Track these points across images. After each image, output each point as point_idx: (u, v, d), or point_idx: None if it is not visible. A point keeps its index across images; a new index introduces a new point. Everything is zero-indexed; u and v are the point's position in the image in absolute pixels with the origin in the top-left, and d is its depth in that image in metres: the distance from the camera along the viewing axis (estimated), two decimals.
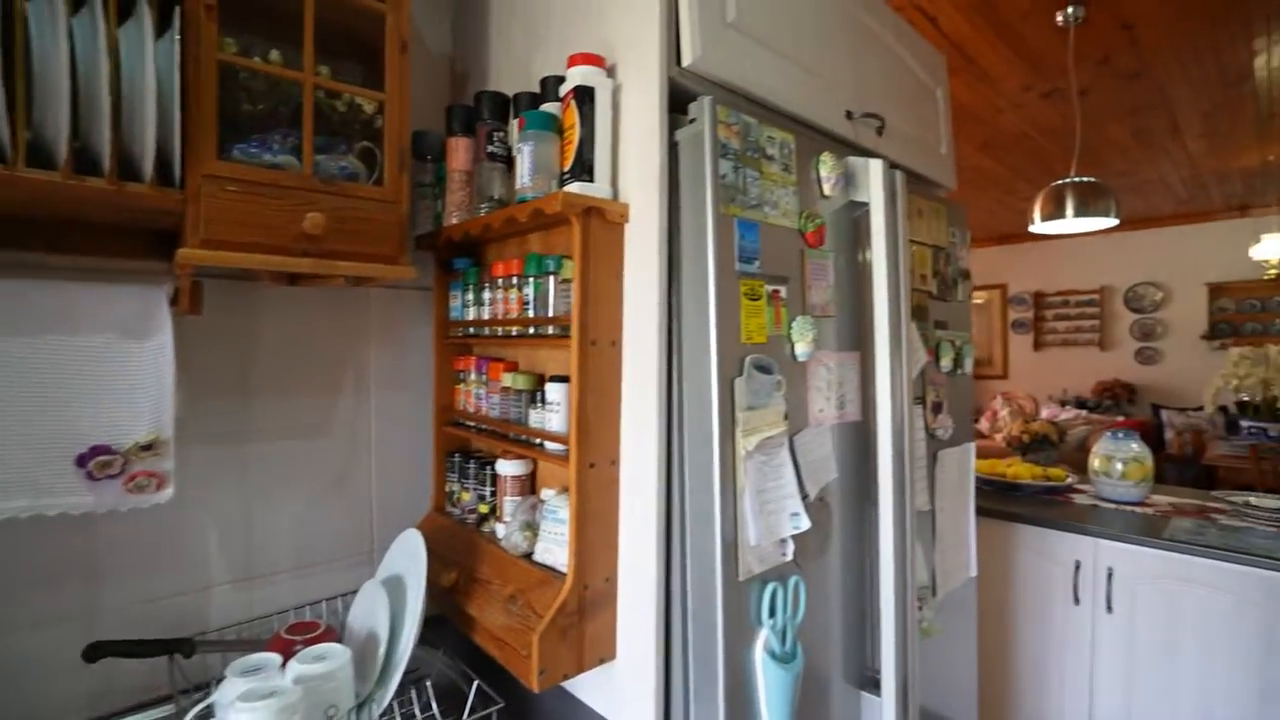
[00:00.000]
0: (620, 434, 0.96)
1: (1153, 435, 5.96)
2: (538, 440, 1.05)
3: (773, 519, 0.90)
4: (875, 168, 1.11)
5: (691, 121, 0.90)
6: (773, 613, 0.93)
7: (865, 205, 1.13)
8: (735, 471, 0.88)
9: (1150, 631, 1.88)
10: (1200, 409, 5.00)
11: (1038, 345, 7.16)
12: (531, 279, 1.06)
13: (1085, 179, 2.41)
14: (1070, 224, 2.39)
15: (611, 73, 0.98)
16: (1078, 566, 2.01)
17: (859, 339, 1.15)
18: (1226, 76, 3.01)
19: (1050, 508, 2.17)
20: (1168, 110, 3.44)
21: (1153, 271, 6.36)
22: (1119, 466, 2.20)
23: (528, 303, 1.07)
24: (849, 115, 1.22)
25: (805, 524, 0.93)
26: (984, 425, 6.75)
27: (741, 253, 0.90)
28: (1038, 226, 2.47)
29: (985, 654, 2.21)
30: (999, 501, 2.25)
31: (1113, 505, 2.19)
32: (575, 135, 0.92)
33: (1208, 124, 3.66)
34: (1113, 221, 2.34)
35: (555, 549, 0.98)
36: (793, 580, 0.96)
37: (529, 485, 1.14)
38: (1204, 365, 5.90)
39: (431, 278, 1.35)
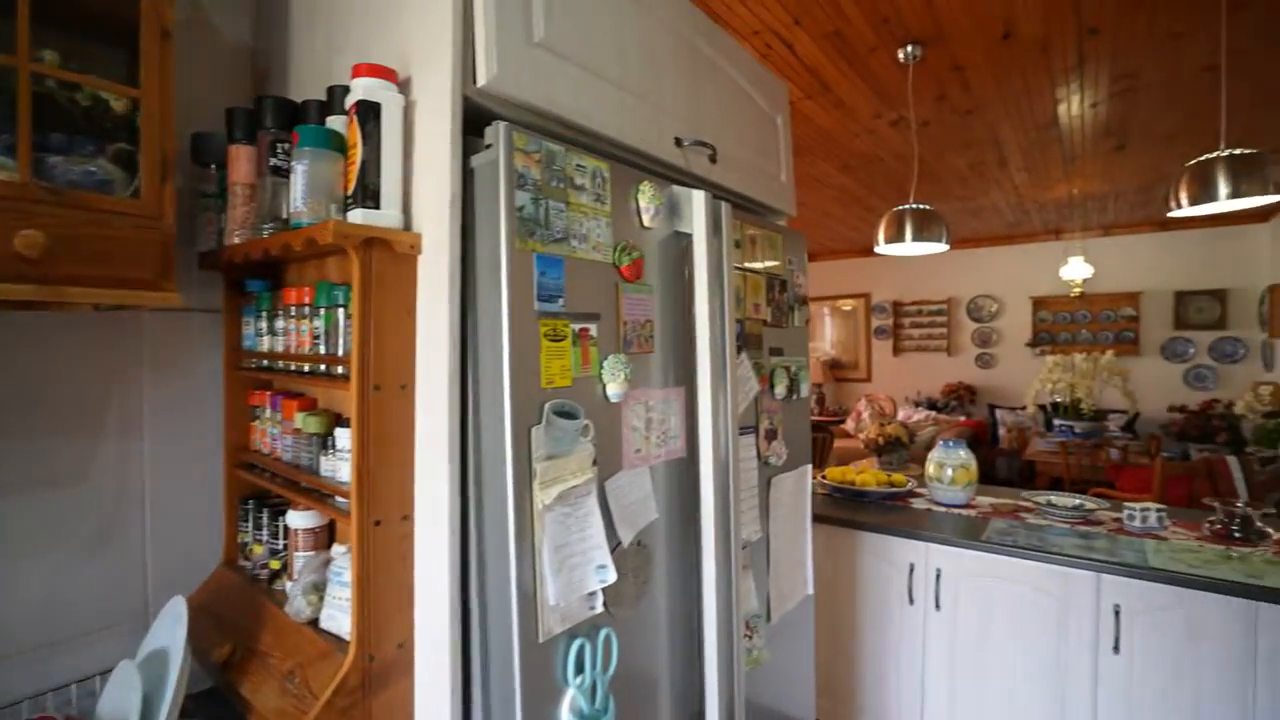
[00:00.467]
0: (414, 487, 0.87)
1: (988, 432, 6.64)
2: (327, 492, 0.93)
3: (576, 574, 0.85)
4: (698, 198, 1.09)
5: (488, 147, 0.83)
6: (580, 670, 0.88)
7: (689, 236, 1.11)
8: (534, 526, 0.82)
9: (968, 624, 2.04)
10: (1024, 408, 5.61)
11: (897, 350, 7.75)
12: (322, 310, 0.95)
13: (921, 206, 2.59)
14: (908, 247, 2.56)
15: (405, 88, 0.89)
16: (912, 569, 2.15)
17: (685, 373, 1.13)
18: (1039, 120, 3.38)
19: (892, 513, 2.31)
20: (996, 145, 3.81)
21: (989, 285, 7.08)
22: (949, 472, 2.38)
23: (319, 336, 0.96)
24: (679, 142, 1.20)
25: (612, 576, 0.89)
26: (850, 425, 7.23)
27: (542, 290, 0.84)
28: (881, 248, 2.64)
29: (833, 656, 2.32)
30: (848, 509, 2.37)
31: (943, 509, 2.37)
32: (358, 155, 0.82)
33: (1027, 159, 4.10)
34: (943, 247, 2.54)
35: (339, 615, 0.88)
36: (603, 633, 0.91)
37: (325, 539, 1.02)
38: (1029, 369, 6.64)
39: (220, 299, 1.18)
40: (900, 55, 2.61)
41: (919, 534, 2.12)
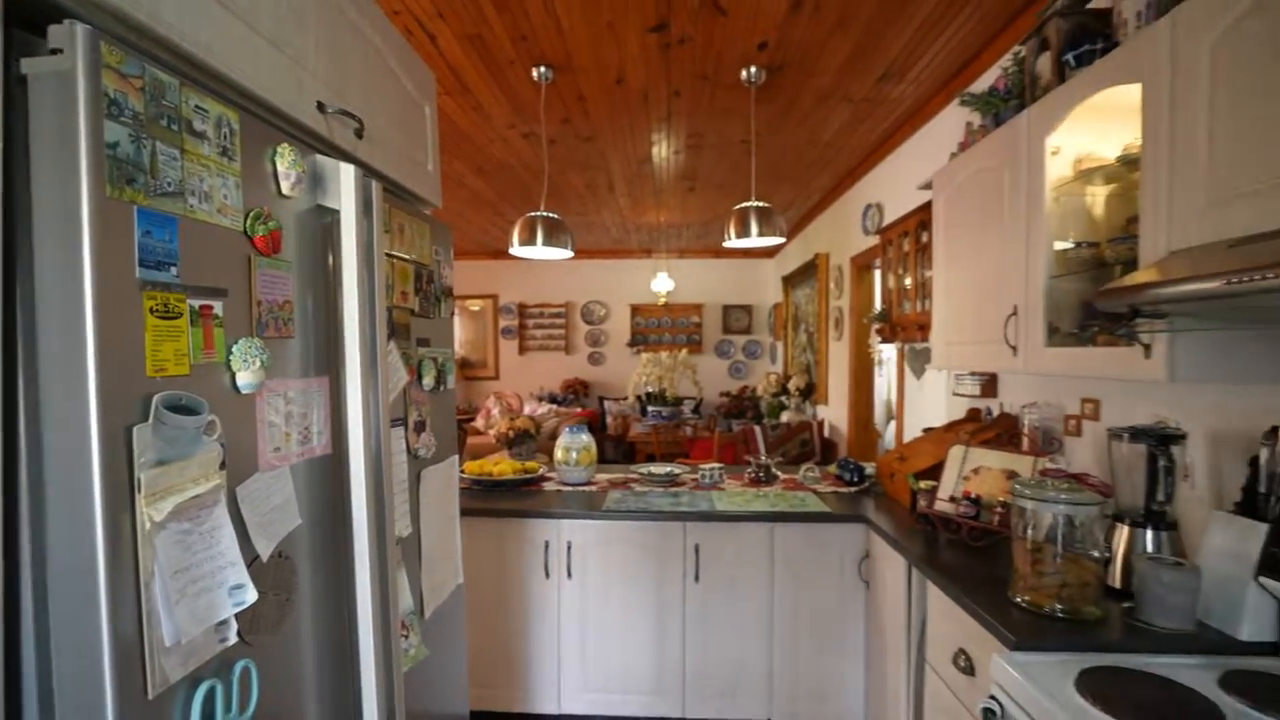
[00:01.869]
0: None
1: (599, 421, 7.65)
2: None
3: (203, 602, 0.70)
4: (347, 172, 1.01)
5: (54, 52, 0.62)
6: (212, 717, 0.73)
7: (336, 212, 1.02)
8: (139, 552, 0.65)
9: (596, 586, 2.35)
10: (626, 398, 6.65)
11: (522, 349, 8.28)
12: None
13: (551, 215, 2.85)
14: (539, 251, 2.80)
15: None
16: (547, 545, 2.35)
17: (329, 361, 1.03)
18: (638, 156, 4.06)
19: (528, 498, 2.49)
20: (606, 171, 4.43)
21: (599, 292, 8.15)
22: (574, 455, 2.68)
23: None
24: (322, 108, 1.08)
25: (251, 596, 0.76)
26: (480, 422, 7.43)
27: (147, 255, 0.67)
28: (515, 249, 2.81)
29: (483, 644, 2.38)
30: (488, 499, 2.45)
31: (571, 488, 2.66)
32: None
33: (629, 187, 4.88)
34: (568, 253, 2.85)
35: None
36: (239, 667, 0.77)
37: None
38: (629, 366, 7.88)
39: None
40: (534, 74, 2.82)
41: (552, 512, 2.34)
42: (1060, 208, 1.67)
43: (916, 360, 3.02)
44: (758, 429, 4.44)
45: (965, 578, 1.60)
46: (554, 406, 7.13)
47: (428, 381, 1.37)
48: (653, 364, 5.77)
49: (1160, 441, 1.41)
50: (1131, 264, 1.40)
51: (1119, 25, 1.49)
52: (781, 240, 2.72)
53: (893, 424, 3.79)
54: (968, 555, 1.77)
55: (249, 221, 0.84)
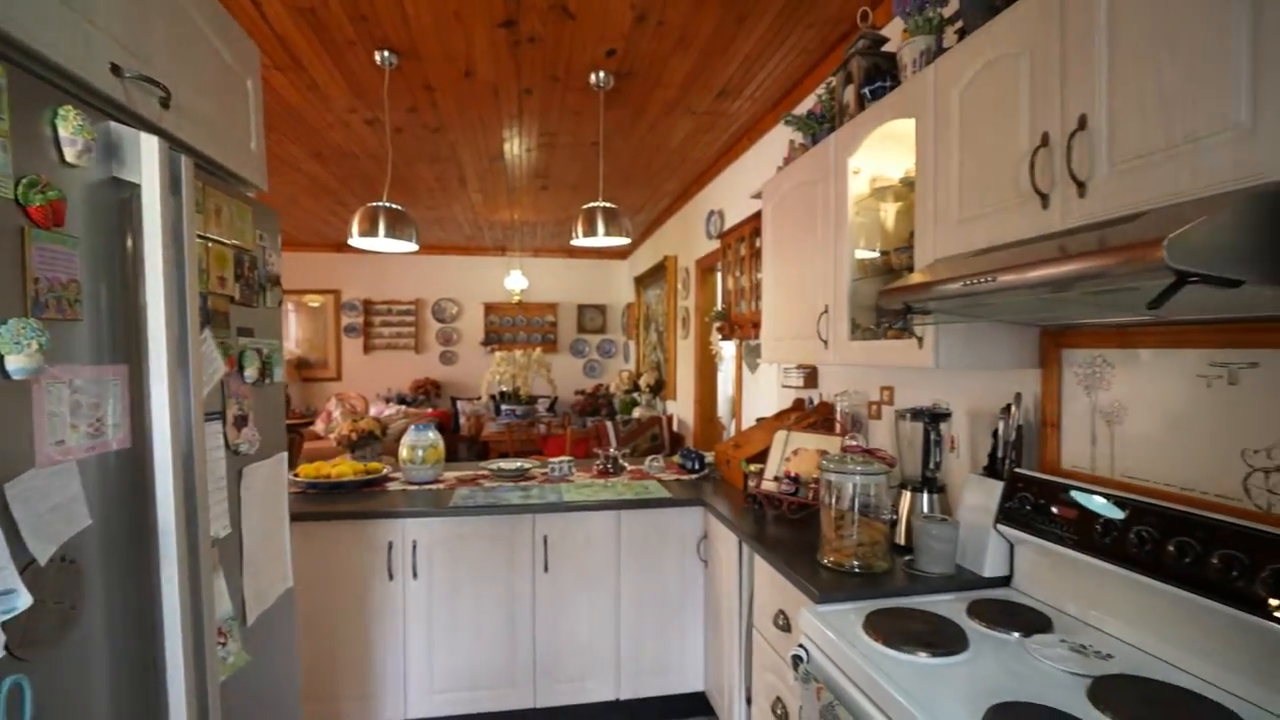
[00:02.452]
0: None
1: (451, 421, 7.40)
2: None
3: None
4: (149, 144, 0.93)
5: None
6: None
7: (137, 187, 0.93)
8: None
9: (442, 584, 2.30)
10: (479, 398, 6.50)
11: (368, 348, 7.78)
12: None
13: (394, 206, 2.74)
14: (381, 243, 2.67)
15: None
16: (391, 546, 2.27)
17: (128, 348, 0.94)
18: (490, 151, 4.01)
19: (370, 499, 2.37)
20: (458, 165, 4.32)
21: (451, 290, 7.88)
22: (420, 453, 2.60)
23: None
24: (118, 71, 0.98)
25: (21, 603, 0.69)
26: (320, 426, 6.87)
27: None
28: (355, 240, 2.66)
29: (320, 656, 2.23)
30: (326, 502, 2.31)
31: (417, 487, 2.57)
32: None
33: (482, 183, 4.79)
34: (412, 246, 2.76)
35: None
36: (9, 684, 0.69)
37: None
38: (482, 365, 7.72)
39: None
40: (378, 58, 2.70)
41: (396, 511, 2.26)
42: (860, 220, 1.94)
43: (751, 356, 3.30)
44: (609, 425, 4.57)
45: (785, 548, 1.79)
46: (403, 408, 6.79)
47: (250, 373, 1.28)
48: (506, 363, 5.71)
49: (931, 419, 1.69)
50: (911, 269, 1.66)
51: (902, 68, 1.76)
52: (627, 241, 2.84)
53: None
54: (789, 528, 1.98)
55: (21, 189, 0.75)
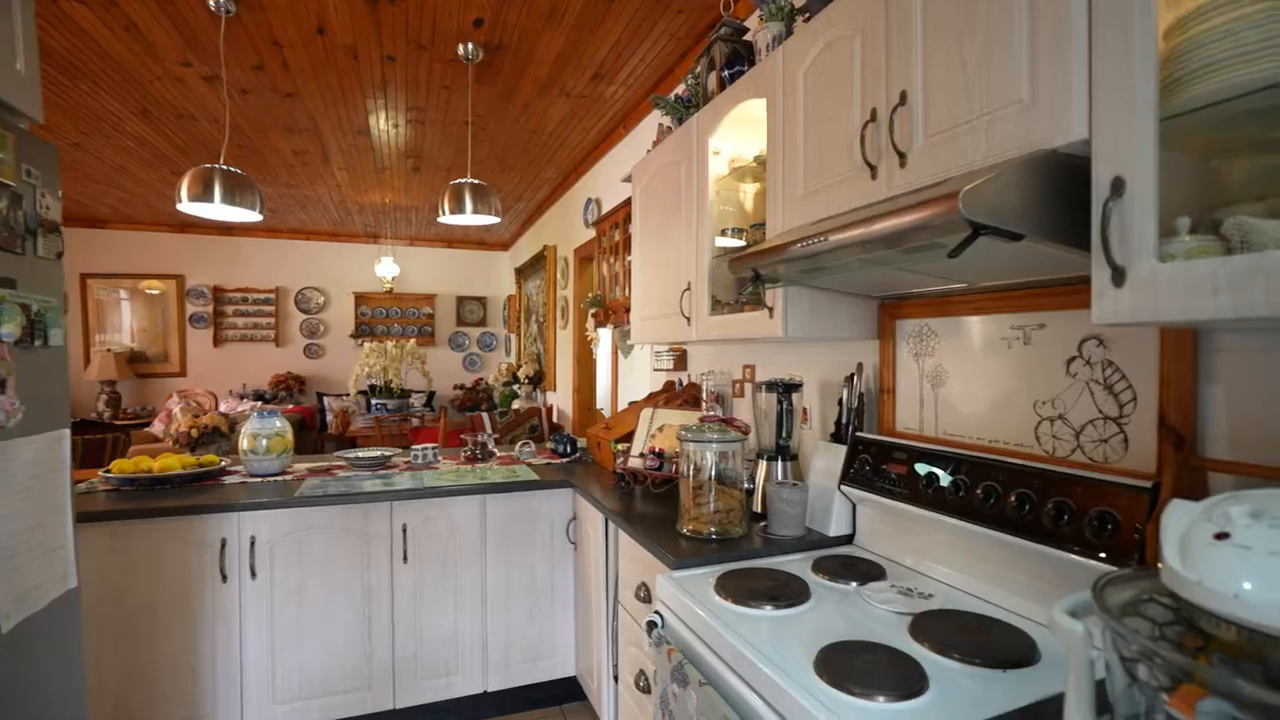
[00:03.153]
0: None
1: (317, 419, 6.87)
2: None
3: None
4: None
5: None
6: None
7: None
8: None
9: (286, 582, 2.10)
10: (348, 394, 6.08)
11: (218, 341, 7.03)
12: None
13: (234, 169, 2.47)
14: (217, 210, 2.40)
15: None
16: (224, 544, 2.03)
17: None
18: (354, 125, 3.74)
19: (202, 494, 2.12)
20: (318, 138, 3.99)
21: (316, 278, 7.31)
22: (264, 443, 2.37)
23: None
24: None
25: None
26: (158, 428, 6.11)
27: None
28: (184, 205, 2.37)
29: (143, 666, 1.94)
30: (146, 499, 2.03)
31: (260, 479, 2.34)
32: None
33: (347, 160, 4.47)
34: (255, 215, 2.50)
35: None
36: None
37: None
38: (353, 359, 7.24)
39: None
40: (211, 3, 2.42)
41: (231, 505, 2.03)
42: (721, 200, 1.99)
43: (625, 341, 3.32)
44: (485, 416, 4.43)
45: (648, 521, 1.80)
46: (259, 404, 6.19)
47: (9, 331, 1.08)
48: (376, 354, 5.37)
49: (784, 390, 1.76)
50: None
51: (758, 51, 1.82)
52: (497, 220, 2.75)
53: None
54: (654, 502, 2.00)
55: None
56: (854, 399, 1.68)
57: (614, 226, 3.25)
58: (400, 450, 2.75)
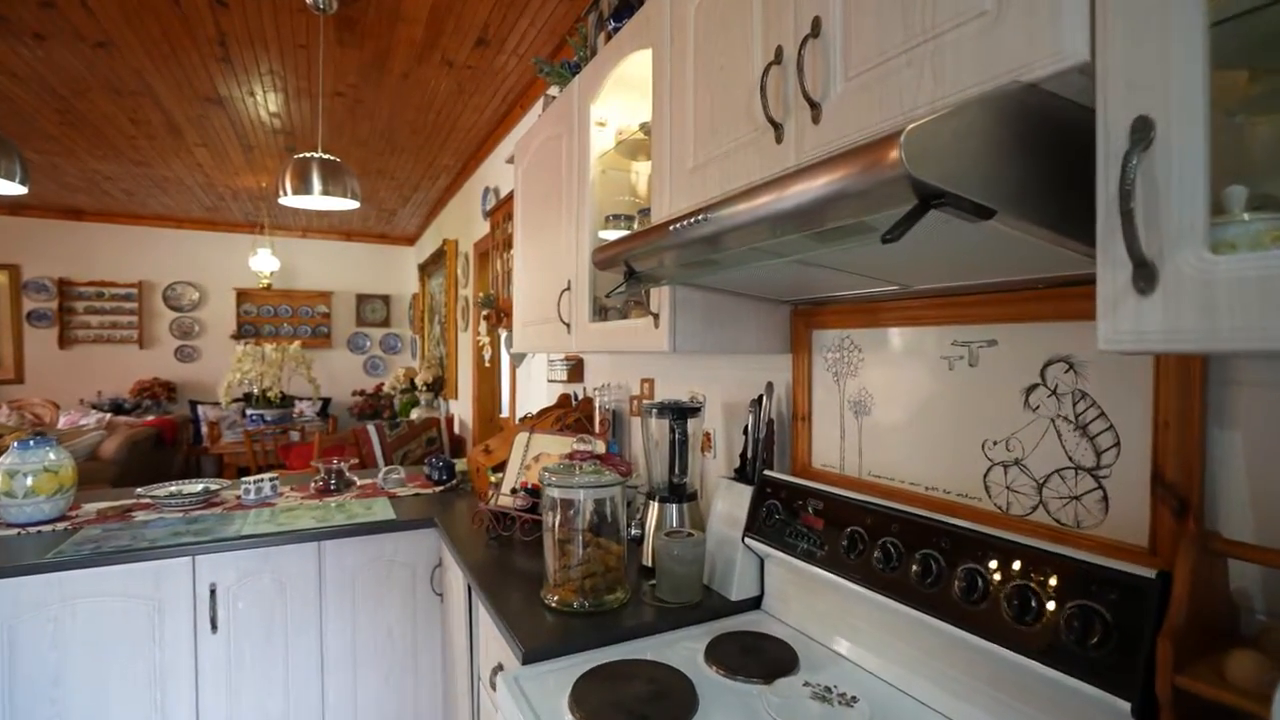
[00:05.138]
0: None
1: (186, 431, 6.07)
2: None
3: None
4: None
5: None
6: None
7: None
8: None
9: (31, 673, 1.58)
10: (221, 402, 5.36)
11: (65, 342, 6.10)
12: None
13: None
14: None
15: None
16: None
17: None
18: (200, 91, 3.16)
19: None
20: (158, 105, 3.36)
21: (190, 272, 6.48)
22: (27, 482, 1.82)
23: None
24: None
25: None
26: None
27: None
28: None
29: None
30: None
31: (18, 530, 1.80)
32: None
33: (203, 136, 3.84)
34: (19, 189, 1.94)
35: None
36: None
37: None
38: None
39: None
40: None
41: None
42: (606, 181, 1.63)
43: (509, 348, 2.92)
44: (371, 428, 3.91)
45: (509, 582, 1.43)
46: (109, 416, 5.37)
47: None
48: (252, 358, 4.72)
49: (677, 415, 1.43)
50: None
51: None
52: (354, 205, 2.30)
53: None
54: (523, 553, 1.62)
55: None
56: (761, 427, 1.36)
57: (507, 218, 2.85)
58: (229, 483, 2.23)
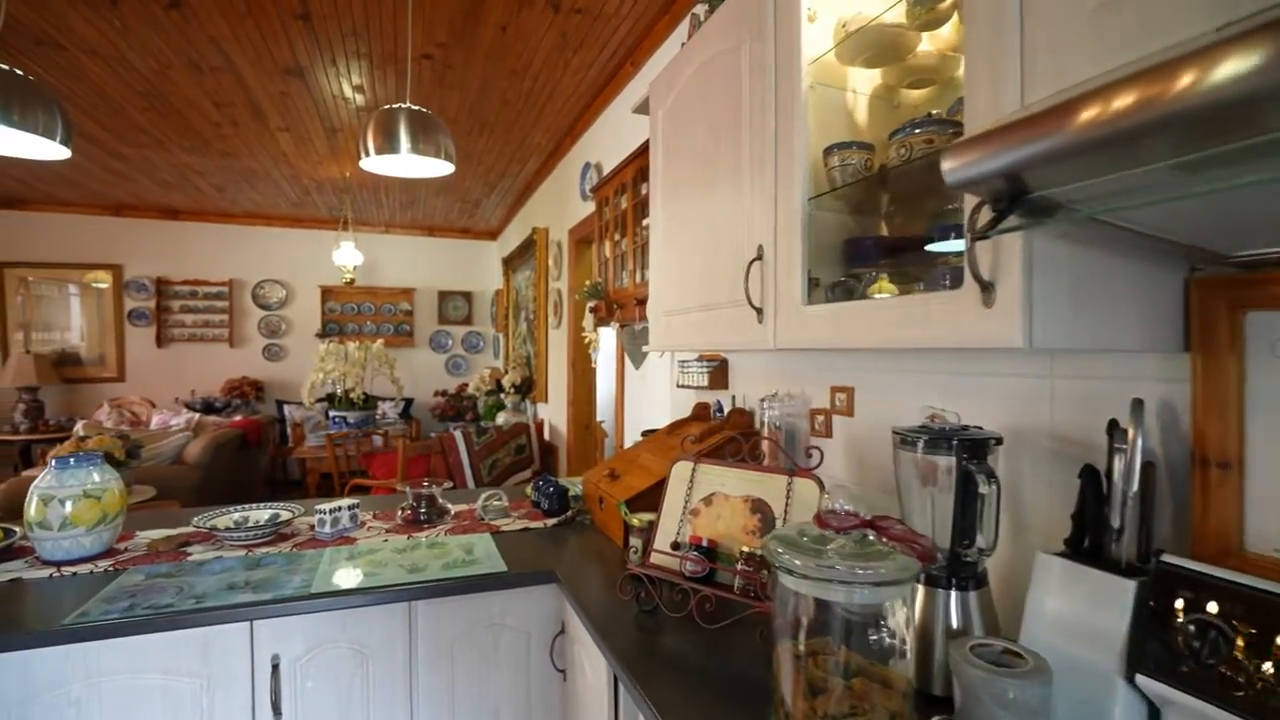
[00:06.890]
0: None
1: (273, 433, 5.98)
2: None
3: None
4: None
5: None
6: None
7: None
8: None
9: None
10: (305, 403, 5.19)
11: (162, 341, 6.15)
12: None
13: (19, 73, 1.58)
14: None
15: None
16: None
17: None
18: (280, 62, 2.85)
19: None
20: (240, 82, 3.10)
21: (276, 269, 6.42)
22: (66, 510, 1.48)
23: None
24: None
25: None
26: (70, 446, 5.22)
27: None
28: None
29: None
30: None
31: (50, 572, 1.45)
32: None
33: (285, 116, 3.58)
34: (60, 150, 1.61)
35: None
36: None
37: None
38: None
39: None
40: None
41: None
42: (819, 100, 1.11)
43: (635, 344, 2.44)
44: (458, 434, 3.54)
45: (694, 687, 0.93)
46: (198, 416, 5.29)
47: None
48: (335, 357, 4.48)
49: (969, 451, 0.88)
50: (932, 170, 0.84)
51: None
52: (449, 168, 1.87)
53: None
54: (701, 644, 1.11)
55: None
56: (1132, 476, 0.80)
57: (619, 191, 2.37)
58: (300, 509, 1.84)
